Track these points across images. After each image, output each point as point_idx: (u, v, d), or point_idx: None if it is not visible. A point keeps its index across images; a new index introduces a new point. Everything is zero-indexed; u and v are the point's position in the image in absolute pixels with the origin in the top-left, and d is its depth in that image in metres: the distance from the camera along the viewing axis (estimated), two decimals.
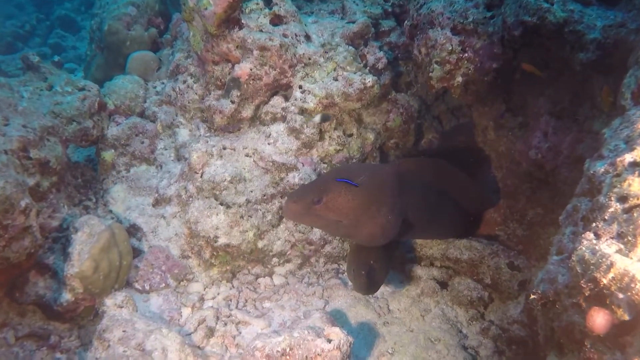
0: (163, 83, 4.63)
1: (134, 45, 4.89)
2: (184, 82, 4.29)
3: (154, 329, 3.13)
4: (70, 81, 3.95)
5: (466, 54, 3.13)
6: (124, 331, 3.06)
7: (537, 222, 3.37)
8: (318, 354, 2.85)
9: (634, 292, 1.26)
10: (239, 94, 3.90)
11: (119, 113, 4.35)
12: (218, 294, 3.83)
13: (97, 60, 5.12)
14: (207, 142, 3.99)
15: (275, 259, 4.01)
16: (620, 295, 1.29)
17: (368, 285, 3.23)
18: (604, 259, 1.35)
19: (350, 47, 4.04)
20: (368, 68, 4.08)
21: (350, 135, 4.14)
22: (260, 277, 4.00)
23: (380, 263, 3.32)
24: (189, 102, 4.25)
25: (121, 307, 3.24)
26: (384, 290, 3.89)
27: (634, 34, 2.28)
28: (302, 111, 3.91)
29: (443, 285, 3.78)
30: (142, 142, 4.27)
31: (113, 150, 4.22)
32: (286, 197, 3.08)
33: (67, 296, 3.09)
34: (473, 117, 3.84)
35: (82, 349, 3.21)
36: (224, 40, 3.86)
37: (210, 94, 4.10)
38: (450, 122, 5.08)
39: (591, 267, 1.36)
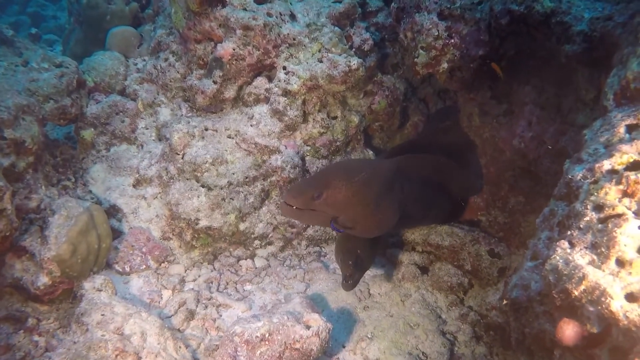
0: (144, 60, 4.52)
1: (114, 19, 4.75)
2: (166, 60, 4.19)
3: (133, 312, 3.11)
4: (47, 57, 3.83)
5: (452, 40, 3.08)
6: (102, 315, 3.04)
7: (519, 210, 3.39)
8: (297, 340, 2.86)
9: (604, 305, 1.26)
10: (221, 74, 3.82)
11: (98, 90, 4.25)
12: (199, 276, 3.82)
13: (75, 34, 4.97)
14: (189, 122, 3.92)
15: (257, 242, 3.99)
16: (591, 308, 1.28)
17: (354, 277, 3.23)
18: (576, 271, 1.34)
19: (336, 28, 3.95)
20: (354, 50, 4.01)
21: (335, 117, 4.09)
22: (241, 260, 3.99)
23: (367, 251, 3.32)
24: (170, 81, 4.16)
25: (100, 290, 3.21)
26: (365, 274, 3.90)
27: (620, 28, 2.24)
28: (286, 93, 3.84)
29: (424, 270, 3.80)
30: (123, 121, 4.19)
31: (93, 129, 4.13)
32: (284, 192, 3.03)
33: (44, 279, 3.05)
34: (459, 102, 3.80)
35: (61, 331, 3.19)
36: (206, 19, 3.76)
37: (192, 73, 4.02)
38: (437, 105, 5.03)
39: (563, 277, 1.35)
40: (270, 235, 4.01)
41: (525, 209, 3.34)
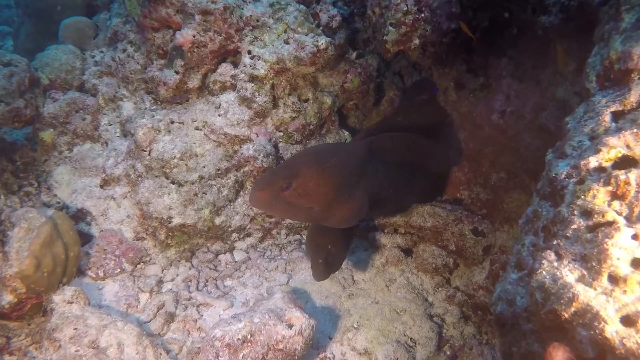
0: (102, 52, 4.26)
1: (65, 10, 4.45)
2: (124, 50, 3.96)
3: (108, 323, 2.98)
4: None
5: (423, 15, 2.91)
6: (75, 329, 2.90)
7: (501, 187, 3.28)
8: (280, 341, 2.77)
9: (597, 330, 1.14)
10: (183, 63, 3.61)
11: (55, 88, 4.00)
12: (177, 275, 3.69)
13: (25, 28, 4.66)
14: (153, 116, 3.72)
15: (235, 234, 3.86)
16: (583, 332, 1.17)
17: (325, 273, 3.08)
18: (565, 290, 1.21)
19: (301, 6, 3.74)
20: (321, 28, 3.81)
21: (306, 100, 3.92)
22: (220, 254, 3.86)
23: (338, 245, 3.16)
24: (131, 73, 3.94)
25: (71, 302, 3.06)
26: (348, 260, 3.81)
27: None
28: (253, 78, 3.65)
29: (407, 252, 3.71)
30: (84, 119, 3.96)
31: (52, 130, 3.91)
32: (252, 185, 2.85)
33: (8, 297, 2.89)
34: (434, 76, 3.65)
35: (34, 347, 3.05)
36: (162, 5, 3.53)
37: (152, 63, 3.79)
38: (412, 77, 4.88)
39: (551, 297, 1.23)
40: (248, 227, 3.87)
41: (508, 185, 3.24)
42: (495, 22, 2.89)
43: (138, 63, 3.91)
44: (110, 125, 4.03)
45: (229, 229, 3.79)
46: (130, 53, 3.92)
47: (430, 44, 3.03)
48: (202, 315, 3.39)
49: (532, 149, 2.86)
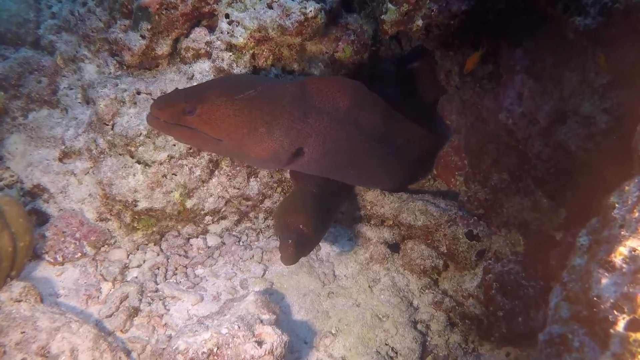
0: (60, 1, 3.73)
1: None
2: (84, 4, 3.45)
3: (61, 325, 2.71)
4: None
5: None
6: (22, 332, 2.63)
7: (502, 189, 2.95)
8: None
9: None
10: (149, 27, 3.13)
11: (4, 43, 3.54)
12: (144, 261, 3.40)
13: None
14: (117, 85, 3.28)
15: (208, 217, 3.53)
16: None
17: (294, 256, 2.73)
18: None
19: None
20: None
21: (292, 72, 3.48)
22: (192, 238, 3.55)
23: (312, 225, 2.81)
24: (92, 31, 3.45)
25: (19, 300, 2.77)
26: (330, 250, 3.53)
27: None
28: (231, 47, 3.19)
29: (394, 247, 3.42)
30: (39, 82, 3.51)
31: (2, 93, 3.46)
32: (152, 102, 2.47)
33: None
34: (435, 57, 3.21)
35: None
36: None
37: (116, 23, 3.31)
38: (411, 42, 4.41)
39: None
40: (222, 209, 3.54)
41: (510, 188, 2.90)
42: (514, 5, 2.44)
43: (100, 20, 3.41)
44: (71, 89, 3.58)
45: (202, 212, 3.46)
46: (91, 7, 3.42)
47: (436, 25, 2.58)
48: (168, 310, 3.13)
49: (542, 159, 2.50)
